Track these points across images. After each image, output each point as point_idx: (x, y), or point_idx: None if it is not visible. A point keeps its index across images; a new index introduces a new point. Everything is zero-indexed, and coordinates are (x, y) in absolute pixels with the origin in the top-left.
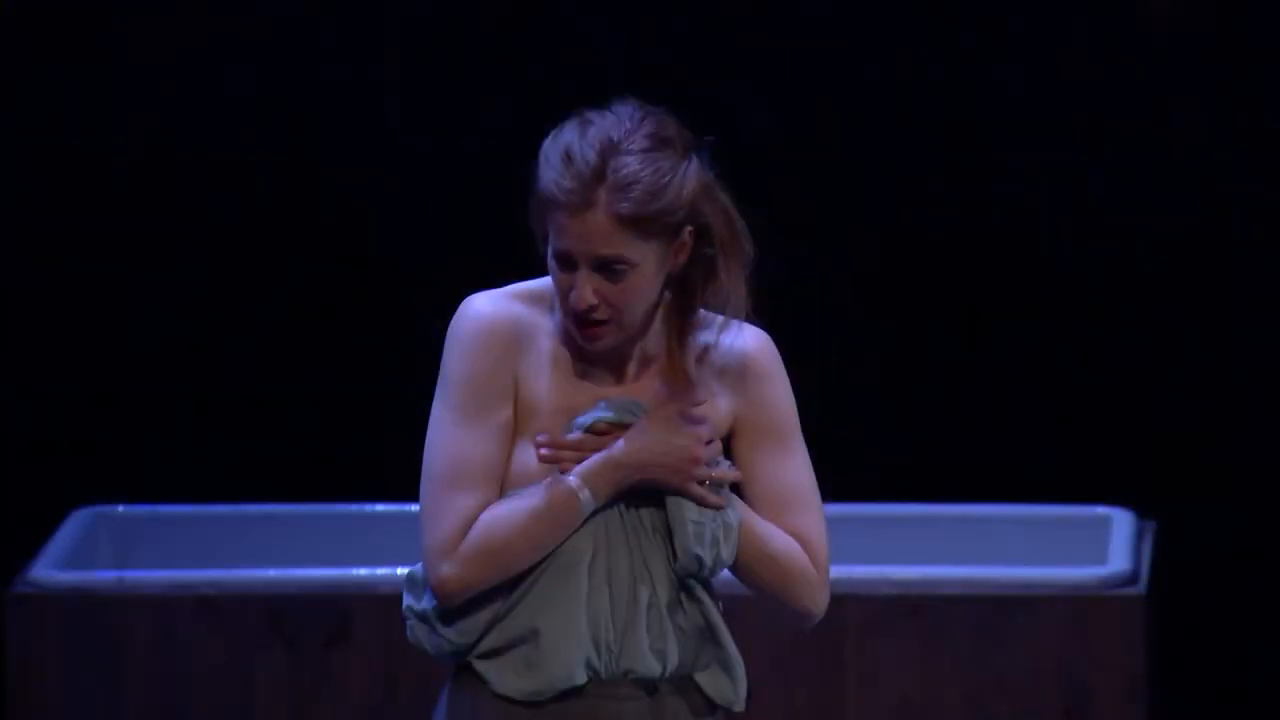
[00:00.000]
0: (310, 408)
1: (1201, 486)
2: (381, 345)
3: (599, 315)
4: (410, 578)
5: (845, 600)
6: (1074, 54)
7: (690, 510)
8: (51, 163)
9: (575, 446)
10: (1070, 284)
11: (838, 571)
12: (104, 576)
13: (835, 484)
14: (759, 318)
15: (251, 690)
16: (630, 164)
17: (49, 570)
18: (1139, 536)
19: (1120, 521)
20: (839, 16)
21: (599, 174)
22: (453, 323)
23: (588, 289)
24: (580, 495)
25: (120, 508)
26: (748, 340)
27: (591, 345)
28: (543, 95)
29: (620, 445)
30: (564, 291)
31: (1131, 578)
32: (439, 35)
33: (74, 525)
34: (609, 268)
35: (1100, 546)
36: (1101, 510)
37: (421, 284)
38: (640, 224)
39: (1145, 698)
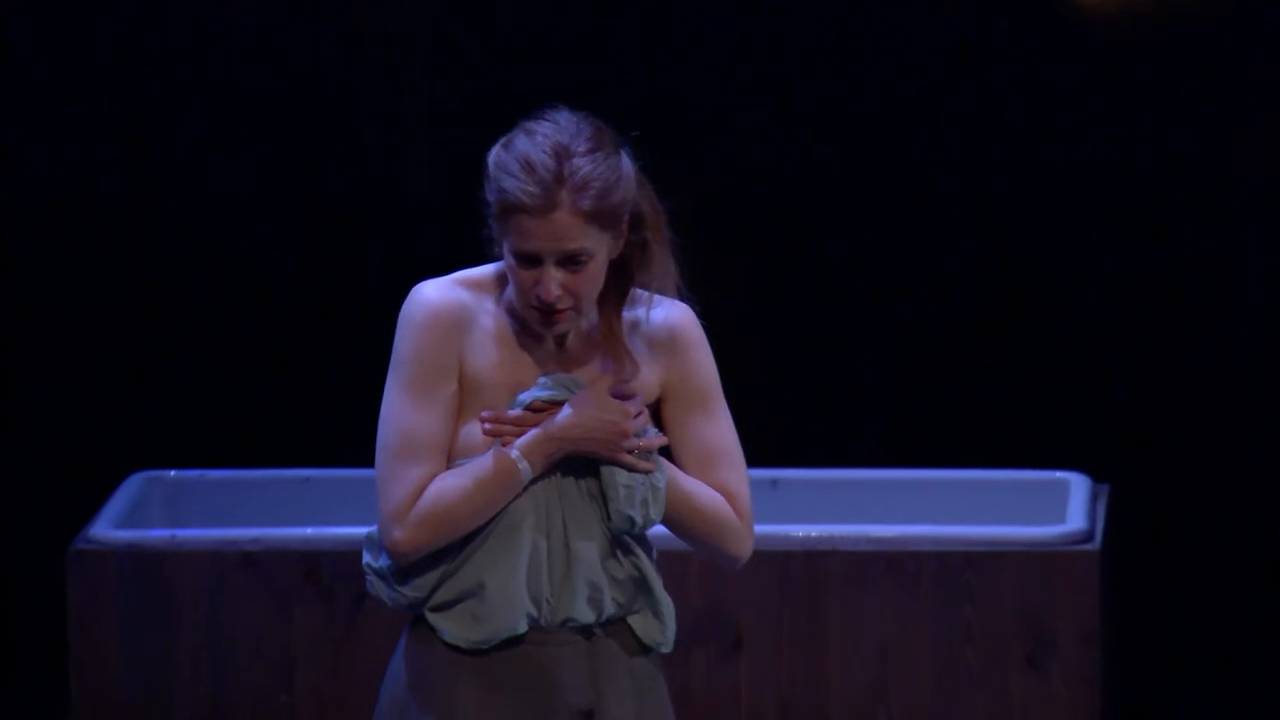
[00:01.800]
0: (346, 379)
1: (1150, 453)
2: None
3: (562, 304)
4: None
5: (829, 555)
6: None
7: (621, 476)
8: (97, 140)
9: (516, 422)
10: (1031, 261)
11: (823, 530)
12: (156, 535)
13: (832, 451)
14: (689, 292)
15: (290, 638)
16: (584, 165)
17: (106, 529)
18: (1094, 498)
19: (1077, 485)
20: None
21: (559, 177)
22: (403, 308)
23: (554, 283)
24: (520, 466)
25: (171, 472)
26: (673, 314)
27: (554, 331)
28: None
29: (557, 421)
30: (526, 286)
31: (1087, 535)
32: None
33: (129, 488)
34: (572, 261)
35: (1059, 507)
36: (1060, 475)
37: (460, 255)
38: (598, 217)
39: (1100, 643)
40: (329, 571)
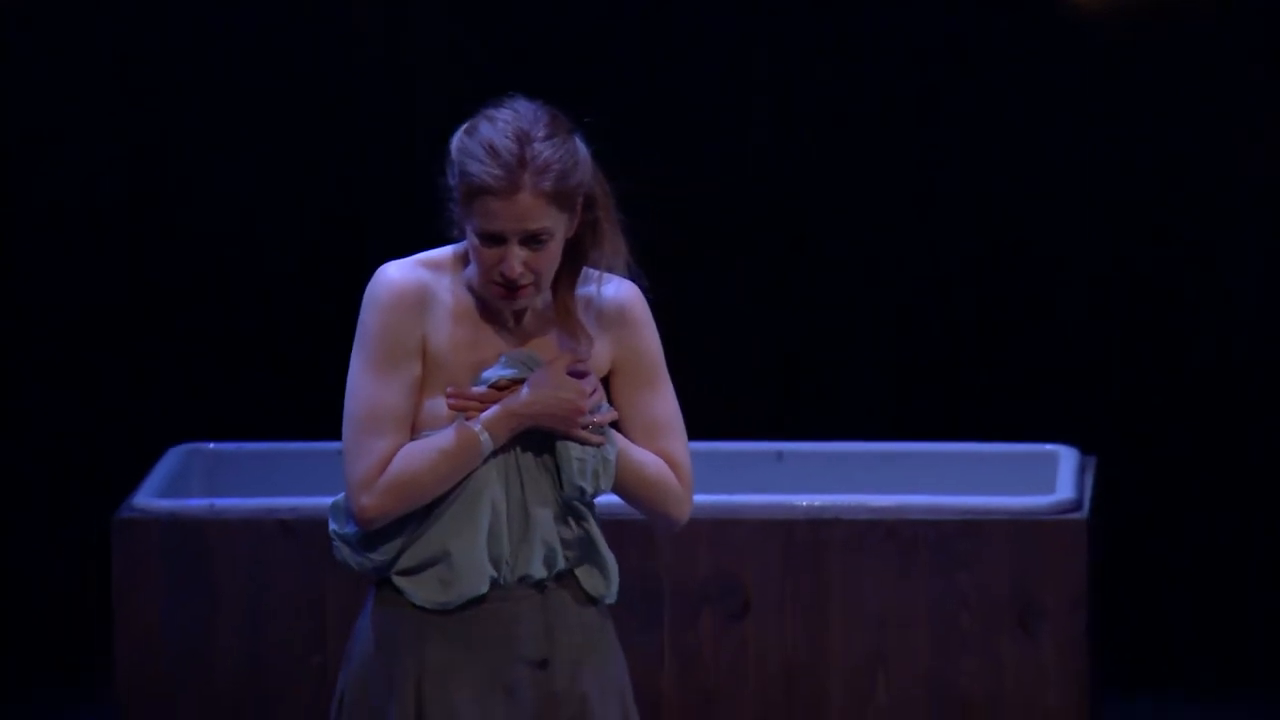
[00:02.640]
0: None
1: (1135, 427)
2: None
3: (524, 280)
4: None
5: (832, 524)
6: None
7: (574, 450)
8: (131, 127)
9: (479, 398)
10: (1026, 259)
11: (826, 499)
12: (196, 504)
13: (834, 425)
14: (639, 269)
15: (323, 602)
16: (544, 150)
17: (149, 498)
18: (1082, 469)
19: (1066, 457)
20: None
21: (521, 161)
22: (368, 288)
23: (517, 261)
24: (482, 438)
25: (211, 444)
26: (622, 291)
27: (515, 305)
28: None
29: (518, 397)
30: (490, 265)
31: (1075, 505)
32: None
33: (171, 460)
34: (534, 240)
35: (1049, 478)
36: (1050, 447)
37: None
38: (559, 198)
39: (1086, 607)
40: None
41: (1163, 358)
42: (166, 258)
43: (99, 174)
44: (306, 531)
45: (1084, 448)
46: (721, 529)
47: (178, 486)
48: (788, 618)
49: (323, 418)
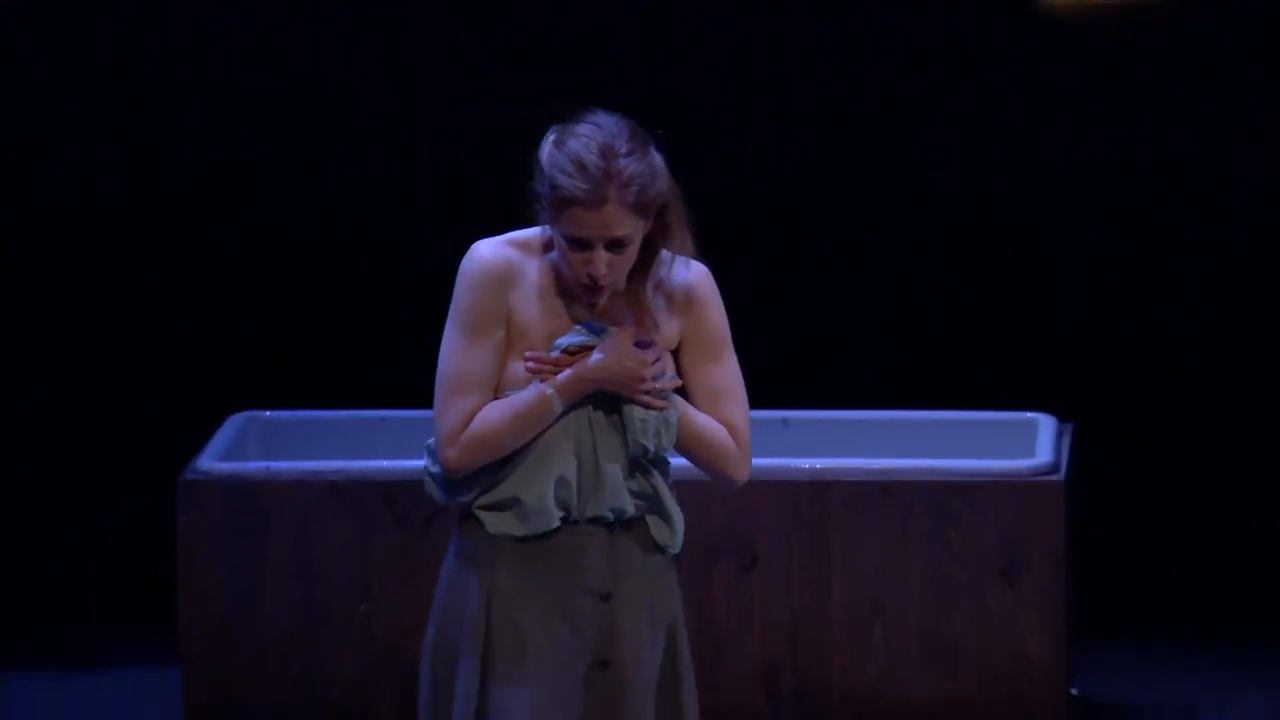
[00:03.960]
0: (415, 337)
1: (1108, 397)
2: None
3: (606, 280)
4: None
5: (833, 485)
6: None
7: (638, 412)
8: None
9: (554, 363)
10: (1026, 258)
11: (827, 463)
12: (253, 466)
13: (835, 395)
14: (702, 256)
15: (369, 556)
16: (628, 165)
17: (211, 462)
18: (1060, 436)
19: (1045, 424)
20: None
21: (607, 175)
22: (462, 264)
23: (602, 263)
24: (554, 400)
25: (267, 412)
26: (691, 274)
27: (598, 300)
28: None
29: (587, 363)
30: (578, 265)
31: (1054, 468)
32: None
33: (231, 426)
34: (617, 244)
35: (1030, 443)
36: (1030, 415)
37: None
38: (640, 208)
39: (1064, 561)
40: (404, 499)
41: (1138, 336)
42: (231, 242)
43: (99, 174)
44: (353, 491)
45: (1061, 416)
46: (715, 482)
47: (236, 451)
48: (793, 570)
49: (369, 388)
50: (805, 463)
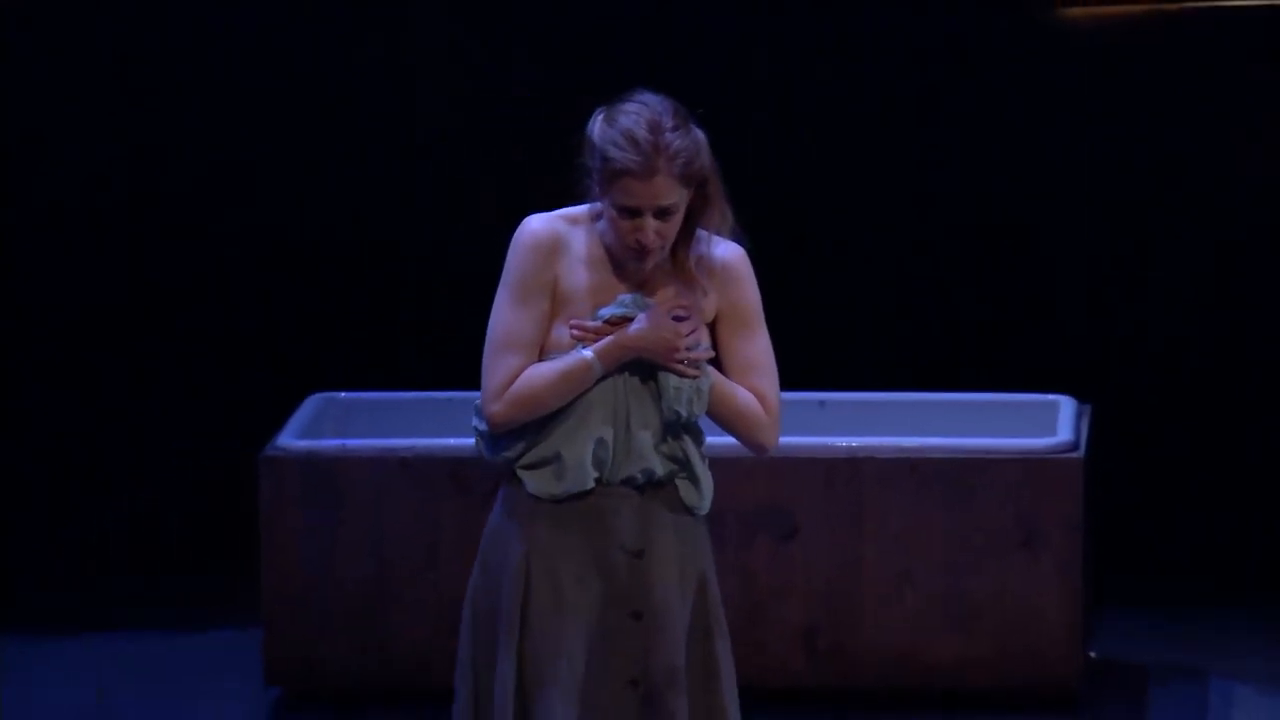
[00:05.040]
0: (415, 331)
1: (1125, 380)
2: None
3: (654, 246)
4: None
5: (866, 461)
6: None
7: (672, 380)
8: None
9: (596, 330)
10: (1028, 254)
11: (861, 440)
12: (329, 444)
13: (869, 378)
14: (742, 233)
15: (436, 528)
16: (675, 139)
17: (290, 439)
18: (1079, 415)
19: (1065, 405)
20: None
21: (656, 148)
22: (514, 235)
23: (651, 230)
24: (594, 365)
25: (343, 394)
26: (728, 251)
27: (646, 265)
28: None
29: (626, 332)
30: (626, 233)
31: (1073, 446)
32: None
33: (309, 407)
34: (665, 213)
35: (1050, 422)
36: (1051, 397)
37: (456, 247)
38: (685, 179)
39: (1081, 532)
40: (470, 474)
41: (1136, 336)
42: (298, 225)
43: (99, 174)
44: (422, 467)
45: (1081, 397)
46: (773, 465)
47: (314, 429)
48: (829, 540)
49: (436, 370)
50: (841, 441)
